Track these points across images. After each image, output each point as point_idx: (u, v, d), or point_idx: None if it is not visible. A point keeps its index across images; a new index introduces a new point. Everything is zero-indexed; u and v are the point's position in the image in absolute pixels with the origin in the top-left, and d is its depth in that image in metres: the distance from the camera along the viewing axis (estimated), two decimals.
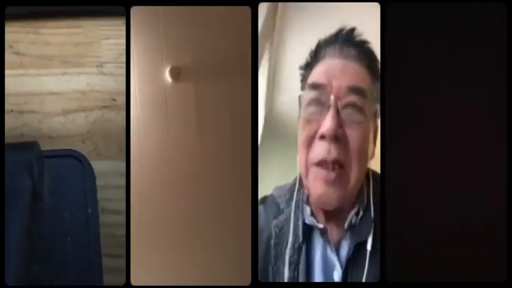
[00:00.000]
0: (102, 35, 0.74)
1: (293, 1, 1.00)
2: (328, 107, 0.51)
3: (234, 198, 0.85)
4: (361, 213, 0.53)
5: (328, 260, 0.53)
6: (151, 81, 0.83)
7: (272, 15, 1.06)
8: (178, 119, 0.84)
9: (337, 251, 0.53)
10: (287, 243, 0.54)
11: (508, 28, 0.57)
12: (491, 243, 0.57)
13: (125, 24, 0.72)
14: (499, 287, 0.57)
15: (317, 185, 0.52)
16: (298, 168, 0.54)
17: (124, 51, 0.73)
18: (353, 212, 0.53)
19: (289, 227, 0.55)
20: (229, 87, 0.84)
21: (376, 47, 0.55)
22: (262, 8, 0.97)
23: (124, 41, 0.72)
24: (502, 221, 0.57)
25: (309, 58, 0.56)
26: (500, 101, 0.58)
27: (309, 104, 0.53)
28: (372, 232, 0.51)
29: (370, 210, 0.52)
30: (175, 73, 0.82)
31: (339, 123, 0.51)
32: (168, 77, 0.82)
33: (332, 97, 0.51)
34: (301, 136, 0.53)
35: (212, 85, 0.84)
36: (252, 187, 0.69)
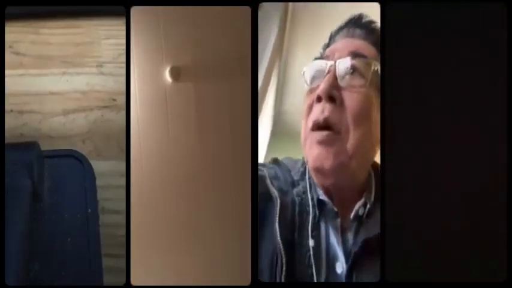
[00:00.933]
0: (102, 35, 0.74)
1: (293, 1, 1.00)
2: (328, 72, 0.51)
3: (234, 198, 0.85)
4: (368, 205, 0.52)
5: (331, 248, 0.51)
6: (151, 81, 0.83)
7: (283, 16, 1.06)
8: (178, 119, 0.84)
9: (342, 242, 0.51)
10: (308, 217, 0.52)
11: (508, 28, 0.57)
12: (491, 243, 0.57)
13: (124, 24, 0.72)
14: (499, 287, 0.57)
15: (313, 149, 0.50)
16: (301, 139, 0.54)
17: (124, 51, 0.73)
18: (360, 202, 0.51)
19: (308, 200, 0.53)
20: (229, 87, 0.84)
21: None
22: (272, 8, 0.97)
23: (124, 41, 0.72)
24: (502, 221, 0.57)
25: (322, 50, 0.57)
26: (500, 101, 0.58)
27: (314, 76, 0.53)
28: (379, 224, 0.50)
29: (378, 205, 0.51)
30: (175, 73, 0.82)
31: (336, 84, 0.50)
32: (168, 77, 0.82)
33: (330, 62, 0.51)
34: (304, 107, 0.53)
35: (212, 85, 0.84)
36: (252, 187, 0.69)
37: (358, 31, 0.54)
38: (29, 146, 0.60)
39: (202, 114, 0.84)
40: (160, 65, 0.83)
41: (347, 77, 0.50)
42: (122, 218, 0.67)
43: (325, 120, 0.49)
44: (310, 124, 0.51)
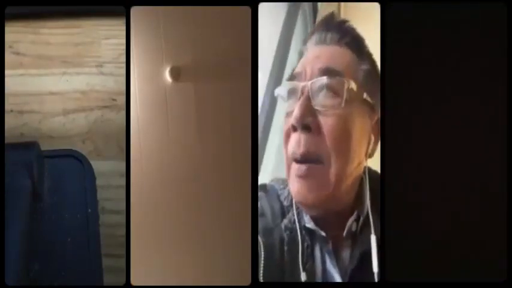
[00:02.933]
0: (102, 35, 0.74)
1: (293, 1, 1.00)
2: (301, 94, 0.47)
3: (234, 198, 0.85)
4: (361, 219, 0.49)
5: (328, 274, 0.49)
6: (151, 81, 0.83)
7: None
8: (178, 119, 0.84)
9: (338, 263, 0.49)
10: (298, 249, 0.49)
11: (508, 28, 0.57)
12: (491, 243, 0.57)
13: (124, 24, 0.72)
14: (499, 287, 0.57)
15: (294, 184, 0.47)
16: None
17: (124, 51, 0.73)
18: (352, 219, 0.49)
19: (297, 230, 0.49)
20: (229, 87, 0.84)
21: (357, 27, 0.52)
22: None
23: (124, 41, 0.72)
24: (502, 221, 0.57)
25: (298, 59, 0.53)
26: (500, 101, 0.58)
27: (288, 97, 0.49)
28: (375, 241, 0.46)
29: (373, 216, 0.48)
30: (175, 73, 0.82)
31: (309, 110, 0.46)
32: (168, 77, 0.82)
33: (303, 83, 0.47)
34: (283, 133, 0.49)
35: (212, 85, 0.84)
36: (252, 187, 0.69)
37: (329, 35, 0.50)
38: (29, 146, 0.60)
39: (202, 114, 0.84)
40: (160, 65, 0.83)
41: (321, 98, 0.46)
42: (122, 218, 0.67)
43: (303, 154, 0.46)
44: (290, 155, 0.48)
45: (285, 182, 0.54)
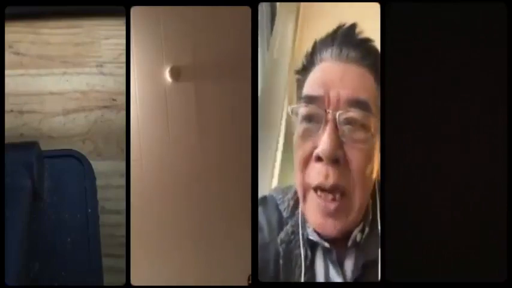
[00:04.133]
0: (102, 35, 0.74)
1: (294, 1, 1.00)
2: (326, 123, 0.44)
3: (234, 198, 0.85)
4: (366, 230, 0.48)
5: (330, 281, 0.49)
6: (151, 81, 0.83)
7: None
8: (178, 119, 0.84)
9: (342, 272, 0.48)
10: (297, 262, 0.48)
11: (508, 28, 0.57)
12: (491, 243, 0.57)
13: (124, 24, 0.72)
14: (499, 287, 0.57)
15: (316, 215, 0.46)
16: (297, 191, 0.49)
17: (124, 51, 0.73)
18: (357, 230, 0.47)
19: (299, 240, 0.49)
20: (229, 87, 0.84)
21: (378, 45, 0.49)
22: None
23: (124, 41, 0.72)
24: (502, 221, 0.57)
25: (304, 61, 0.50)
26: (500, 101, 0.58)
27: (304, 119, 0.46)
28: (380, 251, 0.46)
29: (377, 227, 0.48)
30: (175, 73, 0.82)
31: (338, 142, 0.44)
32: (168, 77, 0.82)
33: (329, 111, 0.44)
34: (297, 156, 0.47)
35: (212, 85, 0.84)
36: (252, 187, 0.69)
37: (352, 53, 0.46)
38: (29, 146, 0.60)
39: (202, 114, 0.84)
40: (160, 65, 0.83)
41: (349, 130, 0.44)
42: (122, 218, 0.67)
43: (332, 187, 0.45)
44: (310, 184, 0.46)
45: (285, 191, 0.53)
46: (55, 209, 0.61)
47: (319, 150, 0.44)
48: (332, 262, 0.49)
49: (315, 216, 0.46)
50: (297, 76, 0.51)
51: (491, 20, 0.57)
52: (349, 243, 0.48)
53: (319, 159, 0.45)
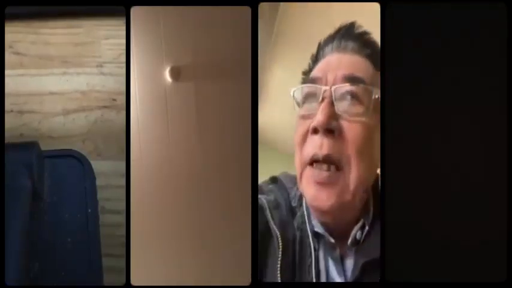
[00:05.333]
0: (102, 35, 0.74)
1: (293, 1, 1.00)
2: (323, 99, 0.46)
3: (234, 198, 0.85)
4: (366, 227, 0.48)
5: (331, 279, 0.49)
6: (151, 81, 0.83)
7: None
8: (178, 119, 0.84)
9: (343, 271, 0.49)
10: (309, 252, 0.49)
11: (508, 28, 0.57)
12: (491, 243, 0.57)
13: (124, 24, 0.72)
14: (499, 287, 0.57)
15: (310, 187, 0.47)
16: (296, 171, 0.50)
17: (124, 51, 0.73)
18: (357, 227, 0.48)
19: (307, 231, 0.49)
20: (229, 87, 0.84)
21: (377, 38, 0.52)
22: None
23: (124, 41, 0.72)
24: (502, 221, 0.57)
25: (310, 62, 0.53)
26: (500, 101, 0.58)
27: (305, 99, 0.49)
28: (379, 246, 0.46)
29: (377, 225, 0.48)
30: (175, 73, 0.82)
31: (333, 114, 0.45)
32: (168, 77, 0.82)
33: (325, 87, 0.46)
34: (296, 135, 0.48)
35: (212, 85, 0.84)
36: (252, 187, 0.69)
37: (351, 44, 0.49)
38: (29, 146, 0.60)
39: (202, 114, 0.84)
40: (160, 65, 0.83)
41: (345, 104, 0.46)
42: (122, 218, 0.67)
43: (325, 157, 0.45)
44: (306, 158, 0.47)
45: (294, 180, 0.53)
46: (55, 209, 0.61)
47: (314, 122, 0.46)
48: (335, 260, 0.49)
49: (309, 189, 0.47)
50: (303, 77, 0.53)
51: (491, 20, 0.57)
52: (349, 241, 0.48)
53: (315, 131, 0.46)
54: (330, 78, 0.47)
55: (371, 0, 0.61)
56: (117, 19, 0.74)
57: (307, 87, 0.48)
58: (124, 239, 0.66)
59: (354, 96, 0.46)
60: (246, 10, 0.69)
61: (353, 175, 0.46)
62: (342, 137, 0.46)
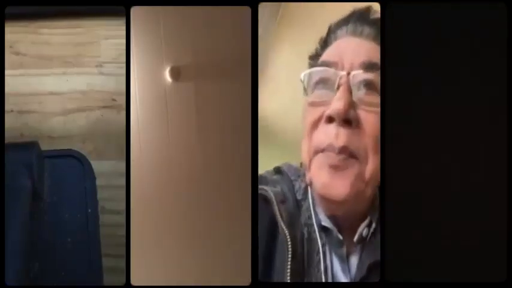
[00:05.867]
0: (102, 35, 0.74)
1: (293, 1, 1.00)
2: (339, 86, 0.43)
3: (234, 198, 0.85)
4: (373, 225, 0.47)
5: (336, 278, 0.47)
6: (151, 81, 0.83)
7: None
8: (178, 119, 0.84)
9: (348, 269, 0.47)
10: (317, 249, 0.47)
11: (508, 28, 0.57)
12: (491, 243, 0.57)
13: (124, 24, 0.72)
14: (499, 287, 0.57)
15: (322, 173, 0.43)
16: (302, 159, 0.47)
17: (124, 51, 0.73)
18: (364, 224, 0.46)
19: (314, 226, 0.47)
20: (229, 87, 0.84)
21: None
22: None
23: (124, 41, 0.72)
24: (502, 221, 0.57)
25: (318, 46, 0.49)
26: (500, 101, 0.58)
27: (317, 85, 0.45)
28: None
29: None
30: (175, 73, 0.82)
31: (351, 102, 0.42)
32: (168, 77, 0.82)
33: (342, 73, 0.43)
34: (305, 123, 0.45)
35: (212, 85, 0.84)
36: (252, 187, 0.69)
37: (367, 29, 0.46)
38: (29, 146, 0.60)
39: (202, 114, 0.84)
40: (160, 65, 0.83)
41: (361, 93, 0.43)
42: (122, 218, 0.67)
43: (342, 148, 0.42)
44: (318, 147, 0.44)
45: (297, 172, 0.51)
46: (55, 209, 0.61)
47: (330, 110, 0.42)
48: (341, 257, 0.47)
49: (322, 175, 0.43)
50: (309, 61, 0.49)
51: (491, 20, 0.57)
52: (356, 237, 0.46)
53: (330, 119, 0.43)
54: (347, 63, 0.44)
55: (371, 0, 0.61)
56: (117, 19, 0.74)
57: (321, 72, 0.45)
58: (124, 239, 0.66)
59: (371, 85, 0.43)
60: (246, 10, 0.69)
61: (369, 166, 0.43)
62: (359, 127, 0.43)
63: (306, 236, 0.47)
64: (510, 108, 0.57)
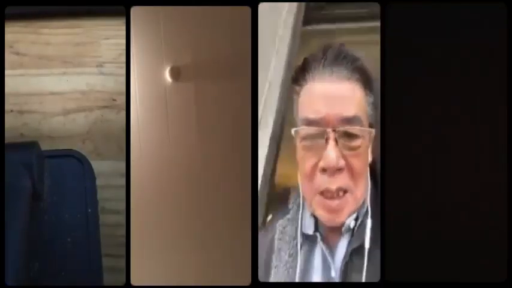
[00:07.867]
0: (102, 35, 0.74)
1: (293, 1, 1.00)
2: (327, 140, 0.50)
3: (234, 198, 0.85)
4: (360, 219, 0.52)
5: (324, 264, 0.53)
6: (151, 81, 0.83)
7: None
8: (178, 119, 0.84)
9: (333, 254, 0.53)
10: (289, 246, 0.55)
11: (508, 28, 0.57)
12: (491, 243, 0.57)
13: (124, 24, 0.72)
14: (499, 287, 0.57)
15: (323, 213, 0.52)
16: (302, 195, 0.55)
17: (124, 51, 0.73)
18: (351, 218, 0.52)
19: (293, 229, 0.55)
20: (229, 87, 0.84)
21: (367, 61, 0.53)
22: None
23: (124, 41, 0.72)
24: (502, 221, 0.57)
25: (295, 75, 0.54)
26: (500, 101, 0.58)
27: (305, 138, 0.52)
28: (368, 234, 0.51)
29: (369, 216, 0.52)
30: (175, 73, 0.82)
31: (339, 154, 0.50)
32: (168, 77, 0.82)
33: (329, 130, 0.50)
34: (302, 168, 0.52)
35: (212, 85, 0.84)
36: (252, 187, 0.69)
37: (342, 71, 0.51)
38: (29, 146, 0.60)
39: (202, 114, 0.84)
40: (160, 65, 0.83)
41: (346, 142, 0.50)
42: (122, 218, 0.67)
43: (337, 189, 0.51)
44: (317, 190, 0.52)
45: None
46: (55, 209, 0.61)
47: (324, 164, 0.50)
48: (326, 248, 0.53)
49: (324, 215, 0.52)
50: (294, 86, 0.54)
51: (491, 20, 0.57)
52: (343, 229, 0.52)
53: (324, 170, 0.51)
54: (331, 118, 0.50)
55: (371, 0, 0.61)
56: (117, 19, 0.74)
57: (310, 131, 0.52)
58: (124, 239, 0.66)
59: (352, 134, 0.51)
60: (246, 10, 0.69)
61: (359, 192, 0.51)
62: (348, 169, 0.51)
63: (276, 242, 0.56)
64: (510, 108, 0.57)
